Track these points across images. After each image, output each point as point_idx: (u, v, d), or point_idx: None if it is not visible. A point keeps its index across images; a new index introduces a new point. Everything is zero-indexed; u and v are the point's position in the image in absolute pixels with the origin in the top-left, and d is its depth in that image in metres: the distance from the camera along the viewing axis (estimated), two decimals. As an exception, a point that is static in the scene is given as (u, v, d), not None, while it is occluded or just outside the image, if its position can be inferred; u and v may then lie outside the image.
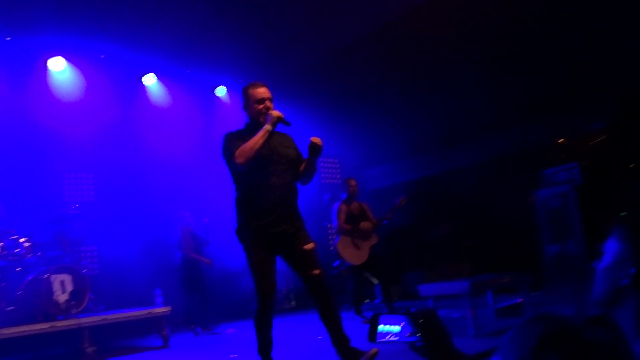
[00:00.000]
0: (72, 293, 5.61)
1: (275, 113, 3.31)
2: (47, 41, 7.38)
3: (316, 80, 8.88)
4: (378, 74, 8.24)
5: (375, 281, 7.36)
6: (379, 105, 8.70)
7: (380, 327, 1.34)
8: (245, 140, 3.27)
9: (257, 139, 3.23)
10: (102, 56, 7.88)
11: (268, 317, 3.28)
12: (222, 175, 8.64)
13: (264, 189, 3.30)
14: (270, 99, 3.47)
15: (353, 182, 6.53)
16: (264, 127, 3.27)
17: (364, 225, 6.28)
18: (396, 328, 1.30)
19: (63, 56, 7.67)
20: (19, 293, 5.50)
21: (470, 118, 8.02)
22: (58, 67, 7.68)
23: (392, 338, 1.31)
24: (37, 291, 5.45)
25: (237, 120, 9.18)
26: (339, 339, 3.32)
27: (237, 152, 3.24)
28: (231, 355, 4.65)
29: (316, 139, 3.34)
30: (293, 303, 9.29)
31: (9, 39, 7.18)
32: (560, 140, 6.78)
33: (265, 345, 3.33)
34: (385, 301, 6.17)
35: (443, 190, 8.36)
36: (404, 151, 9.06)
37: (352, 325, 5.73)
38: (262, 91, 3.47)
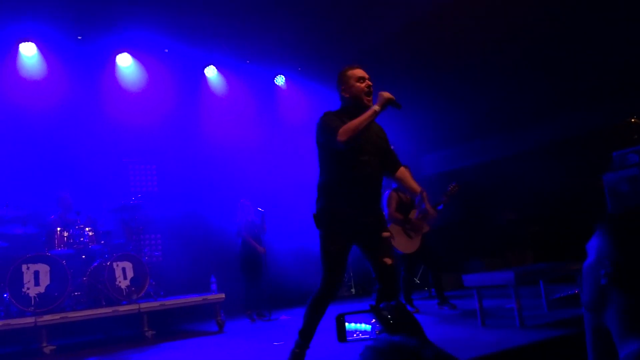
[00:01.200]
0: (132, 279, 5.90)
1: (386, 94, 3.10)
2: (115, 39, 7.75)
3: (371, 65, 8.70)
4: (433, 58, 7.97)
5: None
6: (435, 89, 8.42)
7: (354, 326, 1.29)
8: (344, 121, 3.11)
9: (365, 118, 3.06)
10: (166, 50, 8.16)
11: (325, 305, 3.21)
12: (280, 165, 8.90)
13: (357, 176, 3.18)
14: (369, 79, 3.30)
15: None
16: (372, 107, 3.10)
17: (414, 214, 6.14)
18: (367, 326, 1.25)
19: (129, 52, 8.03)
20: (84, 279, 5.87)
21: (534, 99, 7.59)
22: (125, 63, 8.06)
23: (362, 336, 1.25)
24: (100, 277, 5.79)
25: (296, 109, 9.42)
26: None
27: (341, 129, 3.06)
28: (275, 342, 4.70)
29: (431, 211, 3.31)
30: (353, 290, 9.30)
31: (80, 37, 7.62)
32: (632, 120, 6.25)
33: (310, 330, 3.27)
34: (436, 290, 6.03)
35: (506, 175, 7.99)
36: (464, 135, 8.75)
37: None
38: (362, 71, 3.31)
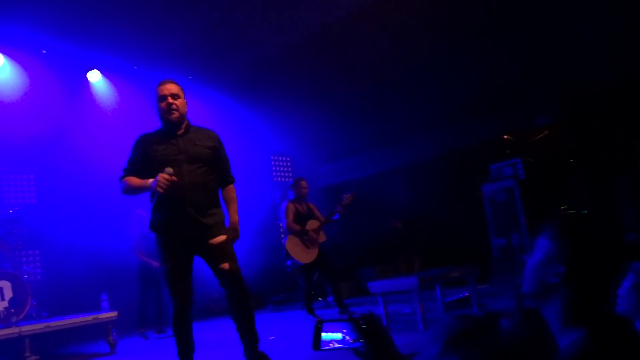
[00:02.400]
0: (11, 300, 5.36)
1: (160, 177, 3.06)
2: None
3: (267, 77, 8.82)
4: (325, 72, 8.26)
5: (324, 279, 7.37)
6: (327, 102, 8.72)
7: (324, 335, 1.33)
8: (150, 147, 3.28)
9: (139, 187, 3.24)
10: (44, 51, 7.57)
11: (185, 323, 3.20)
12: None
13: (166, 199, 3.15)
14: (173, 95, 3.29)
15: (304, 184, 6.47)
16: (152, 185, 3.08)
17: (311, 224, 6.30)
18: (339, 335, 1.29)
19: (3, 52, 7.35)
20: (-48, 303, 5.23)
21: (421, 114, 8.15)
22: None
23: (336, 345, 1.30)
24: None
25: (190, 116, 9.15)
26: (247, 340, 3.27)
27: (123, 178, 3.33)
28: None
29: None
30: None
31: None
32: (505, 136, 6.96)
33: (185, 349, 3.24)
34: (335, 299, 6.18)
35: (394, 186, 8.45)
36: (355, 148, 9.13)
37: (305, 324, 5.75)
38: (165, 88, 3.31)
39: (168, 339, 6.16)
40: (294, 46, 8.19)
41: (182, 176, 3.16)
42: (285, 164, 10.28)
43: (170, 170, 3.10)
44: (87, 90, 8.24)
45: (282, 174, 10.17)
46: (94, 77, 8.28)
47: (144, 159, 3.30)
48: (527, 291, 1.33)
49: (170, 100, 3.26)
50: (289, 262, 8.31)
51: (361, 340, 1.24)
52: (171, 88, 3.31)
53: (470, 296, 4.92)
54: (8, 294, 5.38)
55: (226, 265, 3.19)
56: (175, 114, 3.27)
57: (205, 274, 8.22)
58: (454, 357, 1.02)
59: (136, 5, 6.94)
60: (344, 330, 1.29)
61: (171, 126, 3.29)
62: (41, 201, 7.40)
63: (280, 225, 9.22)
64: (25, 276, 5.80)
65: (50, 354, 5.67)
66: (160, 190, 3.03)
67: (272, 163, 10.06)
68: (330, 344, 1.30)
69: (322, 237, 6.31)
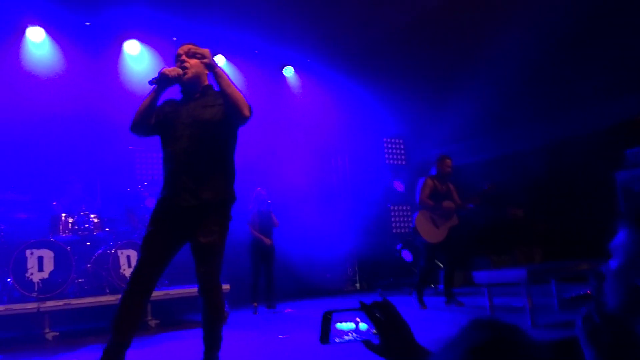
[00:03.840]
0: (137, 267, 5.83)
1: (164, 70, 2.91)
2: (122, 24, 7.70)
3: (380, 59, 8.66)
4: (442, 51, 7.87)
5: (440, 265, 7.10)
6: (445, 83, 8.32)
7: (339, 325, 1.18)
8: (162, 109, 3.03)
9: (143, 99, 2.95)
10: (174, 39, 8.09)
11: (131, 300, 2.81)
12: (290, 157, 8.81)
13: (170, 158, 2.95)
14: (187, 53, 3.02)
15: (448, 162, 6.14)
16: (154, 77, 2.93)
17: (447, 204, 5.99)
18: (352, 325, 1.14)
19: (138, 39, 7.99)
20: (88, 266, 5.82)
21: (546, 95, 7.47)
22: (133, 50, 8.03)
23: (347, 337, 1.15)
24: (104, 265, 5.74)
25: (304, 101, 9.35)
26: (207, 344, 3.04)
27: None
28: (280, 335, 4.64)
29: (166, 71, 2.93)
30: (357, 285, 9.22)
31: (88, 24, 7.57)
32: (643, 118, 6.13)
33: (116, 324, 2.81)
34: (445, 287, 5.91)
35: (514, 172, 7.87)
36: (471, 132, 8.62)
37: (410, 311, 5.58)
38: (181, 48, 3.07)
39: (277, 314, 6.36)
40: (408, 26, 7.94)
41: (182, 141, 2.90)
42: (398, 146, 10.05)
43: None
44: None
45: (395, 156, 9.95)
46: (220, 61, 8.73)
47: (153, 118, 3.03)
48: (613, 303, 1.10)
49: (183, 57, 3.01)
50: (399, 246, 8.16)
51: (375, 332, 1.09)
52: (188, 47, 3.05)
53: (592, 294, 4.41)
54: (134, 262, 5.86)
55: (202, 269, 2.91)
56: (187, 73, 2.98)
57: (317, 253, 8.40)
58: None
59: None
60: (357, 320, 1.15)
61: (187, 89, 3.04)
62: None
63: (392, 207, 9.10)
64: (150, 246, 6.25)
65: (169, 319, 6.10)
66: (163, 71, 2.88)
67: (385, 146, 9.87)
68: (343, 336, 1.14)
69: (454, 221, 6.02)
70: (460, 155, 8.84)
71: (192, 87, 3.03)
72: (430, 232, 5.89)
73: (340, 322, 1.15)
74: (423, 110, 8.95)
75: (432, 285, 7.82)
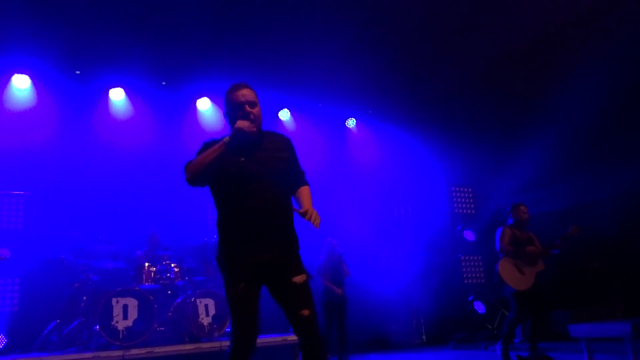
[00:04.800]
0: (214, 317, 5.95)
1: (240, 124, 2.71)
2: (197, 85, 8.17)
3: (447, 108, 8.75)
4: (509, 100, 7.90)
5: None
6: (511, 133, 8.29)
7: None
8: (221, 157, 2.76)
9: (209, 152, 2.69)
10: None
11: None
12: (352, 206, 8.90)
13: (240, 211, 2.70)
14: (250, 103, 2.81)
15: (524, 208, 5.97)
16: (222, 139, 2.73)
17: (531, 248, 5.80)
18: None
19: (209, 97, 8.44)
20: (169, 314, 5.96)
21: (616, 141, 7.31)
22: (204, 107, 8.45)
23: None
24: (184, 313, 5.86)
25: (367, 151, 9.49)
26: None
27: (187, 166, 2.74)
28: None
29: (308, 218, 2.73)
30: (424, 337, 8.98)
31: (164, 83, 8.07)
32: None
33: None
34: (531, 340, 5.59)
35: (592, 221, 7.61)
36: (543, 180, 8.45)
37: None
38: (242, 93, 2.83)
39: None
40: (475, 76, 8.04)
41: (255, 197, 2.71)
42: (467, 195, 9.96)
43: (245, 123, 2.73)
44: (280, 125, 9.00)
45: (464, 205, 9.85)
46: (284, 116, 9.06)
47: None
48: None
49: (248, 109, 2.80)
50: (470, 298, 7.95)
51: None
52: (247, 94, 2.83)
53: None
54: (212, 310, 5.97)
55: (306, 312, 2.70)
56: (255, 127, 2.78)
57: (383, 304, 8.27)
58: None
59: (317, 47, 7.45)
60: None
61: (234, 148, 2.76)
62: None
63: (463, 257, 8.93)
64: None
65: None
66: (239, 125, 2.69)
67: (454, 194, 9.80)
68: None
69: (540, 266, 5.79)
70: (532, 205, 8.67)
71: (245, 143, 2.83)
72: (516, 279, 5.64)
73: None
74: (492, 158, 8.90)
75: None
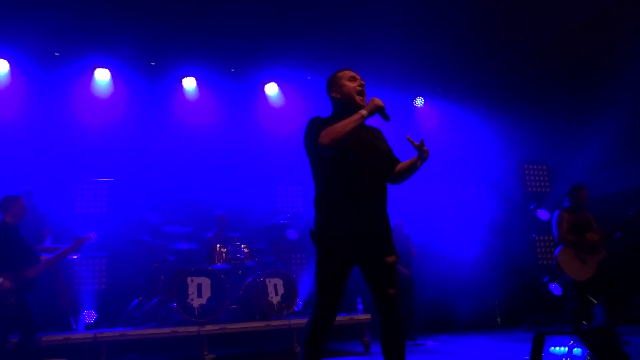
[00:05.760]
0: (283, 296, 6.13)
1: (377, 101, 2.85)
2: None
3: (523, 81, 8.41)
4: (584, 75, 7.45)
5: (594, 302, 6.52)
6: (587, 106, 7.83)
7: (552, 349, 1.17)
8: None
9: (349, 121, 2.78)
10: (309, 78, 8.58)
11: (321, 339, 2.75)
12: (423, 187, 8.79)
13: (351, 184, 2.82)
14: (361, 81, 3.00)
15: (584, 191, 5.78)
16: (359, 111, 2.82)
17: (591, 236, 5.55)
18: (564, 349, 1.12)
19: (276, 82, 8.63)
20: (240, 293, 6.22)
21: None
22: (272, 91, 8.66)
23: None
24: (254, 292, 6.09)
25: (436, 131, 9.31)
26: None
27: (323, 132, 2.78)
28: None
29: (424, 148, 2.99)
30: (498, 320, 8.77)
31: (233, 70, 8.32)
32: None
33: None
34: (608, 325, 5.38)
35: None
36: (621, 157, 7.90)
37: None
38: (353, 73, 3.03)
39: (418, 347, 6.27)
40: (542, 52, 7.69)
41: (366, 169, 2.85)
42: (540, 172, 9.53)
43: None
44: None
45: (537, 183, 9.44)
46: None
47: None
48: None
49: (362, 82, 3.00)
50: (545, 279, 7.67)
51: (591, 357, 1.06)
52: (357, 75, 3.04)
53: None
54: (280, 290, 6.16)
55: (392, 291, 2.79)
56: (364, 98, 2.97)
57: (456, 286, 8.15)
58: None
59: (383, 27, 7.37)
60: (572, 344, 1.12)
61: (354, 111, 2.87)
62: (307, 209, 8.29)
63: (537, 237, 8.61)
64: (294, 276, 6.54)
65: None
66: (379, 104, 2.82)
67: (525, 172, 9.41)
68: None
69: (602, 254, 5.55)
70: (609, 183, 8.19)
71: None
72: (576, 269, 5.43)
73: (553, 346, 1.14)
74: (567, 134, 8.47)
75: (585, 323, 7.20)
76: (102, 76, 7.77)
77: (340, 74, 3.03)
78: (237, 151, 7.89)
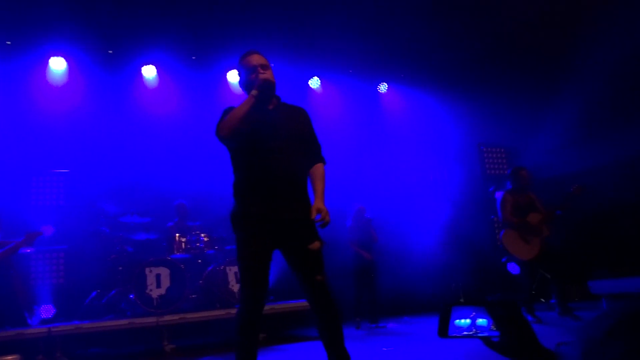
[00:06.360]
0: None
1: (263, 76, 2.79)
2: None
3: (483, 66, 8.50)
4: (540, 59, 7.58)
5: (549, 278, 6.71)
6: (544, 90, 7.97)
7: (457, 321, 1.19)
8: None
9: (240, 106, 2.74)
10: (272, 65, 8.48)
11: (253, 328, 2.67)
12: (385, 170, 8.85)
13: (263, 170, 2.76)
14: (263, 65, 2.88)
15: (524, 173, 5.98)
16: (250, 93, 2.78)
17: (533, 217, 5.74)
18: (469, 321, 1.14)
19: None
20: (200, 282, 6.18)
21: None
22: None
23: (466, 333, 1.14)
24: (215, 281, 6.07)
25: (399, 117, 9.36)
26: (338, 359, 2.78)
27: (220, 124, 2.76)
28: (384, 348, 4.62)
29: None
30: (462, 300, 8.91)
31: (194, 58, 8.18)
32: None
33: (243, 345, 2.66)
34: (558, 301, 5.56)
35: (630, 177, 7.25)
36: (579, 137, 8.07)
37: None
38: (255, 58, 2.90)
39: (381, 329, 6.33)
40: (503, 39, 7.81)
41: (277, 153, 2.78)
42: (499, 155, 9.68)
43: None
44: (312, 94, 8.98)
45: (496, 166, 9.59)
46: (314, 83, 9.04)
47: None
48: None
49: (261, 70, 2.85)
50: (504, 259, 7.81)
51: (496, 329, 1.08)
52: (258, 58, 2.91)
53: None
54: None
55: (320, 278, 2.76)
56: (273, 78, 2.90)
57: (419, 269, 8.26)
58: (618, 345, 0.78)
59: (347, 13, 7.35)
60: (476, 316, 1.13)
61: (262, 101, 2.84)
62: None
63: (495, 219, 8.74)
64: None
65: (276, 334, 6.27)
66: (265, 77, 2.77)
67: (484, 155, 9.54)
68: (461, 332, 1.14)
69: (545, 232, 5.72)
70: (566, 164, 8.36)
71: (268, 100, 2.92)
72: (521, 249, 5.67)
73: (459, 318, 1.16)
74: (524, 118, 8.60)
75: (543, 300, 7.39)
76: (57, 65, 7.55)
77: (243, 62, 2.95)
78: (198, 139, 7.79)
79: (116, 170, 7.28)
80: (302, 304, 6.14)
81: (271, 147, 2.79)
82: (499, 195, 6.02)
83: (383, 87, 9.55)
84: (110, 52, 7.82)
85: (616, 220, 7.52)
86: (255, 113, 2.79)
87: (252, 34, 7.64)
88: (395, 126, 9.31)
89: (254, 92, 2.77)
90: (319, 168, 2.97)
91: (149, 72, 8.08)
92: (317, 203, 2.82)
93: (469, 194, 9.02)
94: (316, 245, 2.77)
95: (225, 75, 8.57)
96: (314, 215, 2.75)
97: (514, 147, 9.40)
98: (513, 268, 7.82)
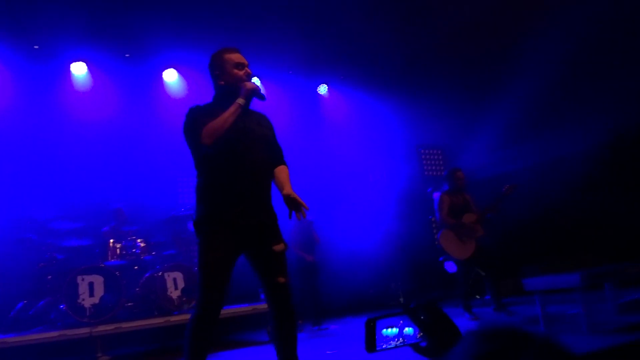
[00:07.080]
0: (183, 290, 5.94)
1: (250, 85, 2.80)
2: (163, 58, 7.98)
3: (422, 69, 8.70)
4: (475, 62, 7.86)
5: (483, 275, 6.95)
6: (479, 94, 8.27)
7: (385, 331, 1.17)
8: (217, 116, 2.72)
9: (228, 115, 2.70)
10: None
11: (206, 332, 2.64)
12: (327, 171, 8.88)
13: (234, 174, 2.77)
14: (248, 74, 2.89)
15: (460, 174, 6.17)
16: (236, 101, 2.75)
17: (468, 218, 5.94)
18: (395, 330, 1.13)
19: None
20: (137, 290, 5.95)
21: (584, 94, 7.29)
22: (170, 78, 8.28)
23: (394, 343, 1.14)
24: (152, 288, 5.85)
25: (339, 118, 9.42)
26: None
27: (204, 131, 2.69)
28: (328, 351, 4.61)
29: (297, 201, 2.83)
30: (401, 299, 9.08)
31: (127, 55, 7.87)
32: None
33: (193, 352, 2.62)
34: (493, 297, 5.78)
35: (561, 176, 7.64)
36: (518, 137, 8.43)
37: (461, 322, 5.46)
38: (241, 57, 2.91)
39: (323, 332, 6.33)
40: (439, 44, 8.02)
41: (249, 158, 2.80)
42: (436, 156, 9.94)
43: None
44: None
45: (433, 167, 9.84)
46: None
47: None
48: None
49: (249, 70, 2.90)
50: (441, 258, 8.04)
51: (421, 334, 1.07)
52: (241, 57, 2.91)
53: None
54: (181, 284, 5.97)
55: (282, 280, 2.77)
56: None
57: (358, 269, 8.33)
58: None
59: (286, 14, 7.31)
60: (400, 323, 1.13)
61: (245, 109, 2.82)
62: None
63: (433, 219, 8.97)
64: (196, 268, 6.35)
65: (217, 340, 6.15)
66: (253, 87, 2.77)
67: (422, 157, 9.77)
68: (390, 342, 1.13)
69: (479, 231, 5.94)
70: (500, 164, 8.70)
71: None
72: (457, 249, 5.88)
73: (386, 328, 1.14)
74: (460, 120, 8.87)
75: (478, 297, 7.65)
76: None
77: (227, 56, 2.90)
78: (135, 141, 7.51)
79: (46, 172, 6.89)
80: (241, 309, 6.05)
81: (241, 152, 2.80)
82: (436, 196, 6.19)
83: (323, 89, 9.57)
84: (37, 47, 7.40)
85: (547, 218, 7.88)
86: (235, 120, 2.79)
87: (188, 33, 7.46)
88: (337, 128, 9.36)
89: (240, 100, 2.76)
90: (283, 169, 3.02)
91: (79, 69, 7.72)
92: (287, 190, 2.87)
93: (409, 194, 9.20)
94: (281, 247, 2.81)
95: (160, 74, 8.33)
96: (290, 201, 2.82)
97: (450, 149, 9.68)
98: (450, 267, 8.07)
